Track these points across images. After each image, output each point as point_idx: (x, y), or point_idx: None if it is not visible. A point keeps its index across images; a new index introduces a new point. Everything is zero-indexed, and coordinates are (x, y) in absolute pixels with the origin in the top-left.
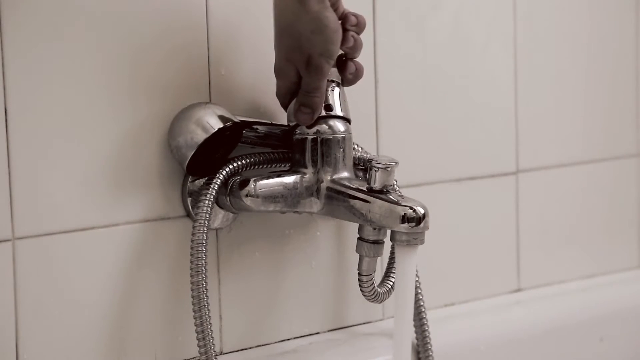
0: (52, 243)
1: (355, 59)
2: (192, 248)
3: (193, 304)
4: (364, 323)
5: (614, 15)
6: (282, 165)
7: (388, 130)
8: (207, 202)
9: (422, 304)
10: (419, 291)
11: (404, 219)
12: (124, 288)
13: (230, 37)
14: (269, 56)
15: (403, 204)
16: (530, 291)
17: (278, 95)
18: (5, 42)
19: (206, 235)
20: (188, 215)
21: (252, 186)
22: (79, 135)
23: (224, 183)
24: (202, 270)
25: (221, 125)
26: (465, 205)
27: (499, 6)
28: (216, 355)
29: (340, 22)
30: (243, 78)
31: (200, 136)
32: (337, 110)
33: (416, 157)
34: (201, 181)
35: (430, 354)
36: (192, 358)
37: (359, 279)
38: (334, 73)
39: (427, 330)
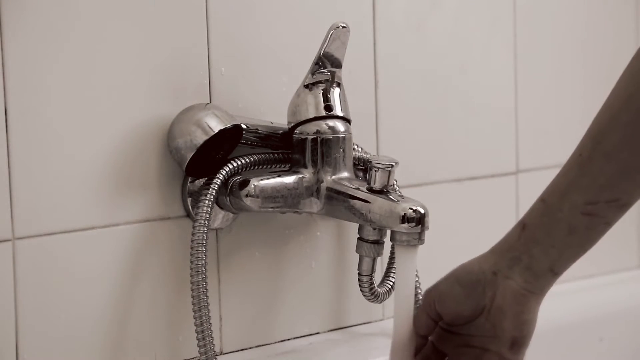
0: (52, 243)
1: None
2: (192, 248)
3: (193, 304)
4: (364, 323)
5: (614, 15)
6: (282, 165)
7: (388, 130)
8: (207, 202)
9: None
10: (419, 291)
11: (404, 219)
12: (124, 288)
13: (230, 37)
14: (269, 56)
15: (403, 204)
16: None
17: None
18: (5, 42)
19: (206, 235)
20: (188, 215)
21: (252, 186)
22: (79, 135)
23: (224, 183)
24: (202, 270)
25: (221, 127)
26: (465, 205)
27: (499, 6)
28: (216, 355)
29: None
30: (243, 78)
31: (200, 138)
32: (337, 110)
33: (416, 157)
34: (201, 181)
35: None
36: (192, 358)
37: (359, 279)
38: (336, 74)
39: None
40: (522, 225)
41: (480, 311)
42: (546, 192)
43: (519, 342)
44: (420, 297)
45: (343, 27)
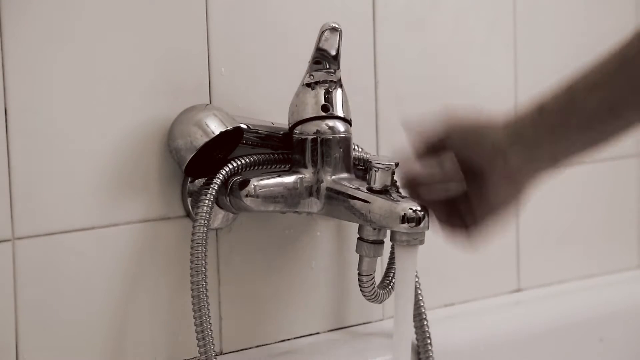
0: (52, 243)
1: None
2: (192, 248)
3: (193, 304)
4: (364, 323)
5: (614, 15)
6: (282, 166)
7: (388, 130)
8: (207, 202)
9: (422, 304)
10: (419, 291)
11: (404, 219)
12: (124, 288)
13: (230, 37)
14: (269, 56)
15: (403, 204)
16: (530, 291)
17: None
18: (5, 42)
19: (206, 235)
20: (188, 215)
21: (252, 186)
22: (79, 135)
23: (224, 183)
24: (202, 270)
25: (222, 129)
26: None
27: (499, 6)
28: (216, 355)
29: None
30: (243, 78)
31: (200, 140)
32: (337, 110)
33: None
34: (201, 181)
35: (430, 354)
36: (192, 358)
37: (359, 279)
38: (335, 74)
39: (427, 330)
40: (540, 110)
41: (476, 173)
42: (574, 82)
43: (487, 208)
44: (421, 297)
45: (334, 27)
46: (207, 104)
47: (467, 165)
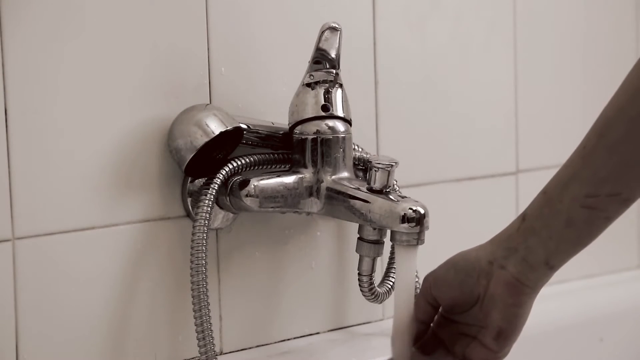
0: (52, 243)
1: None
2: (192, 248)
3: (193, 304)
4: (364, 323)
5: (614, 15)
6: (282, 166)
7: (388, 130)
8: (207, 202)
9: None
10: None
11: (404, 219)
12: (124, 288)
13: (230, 37)
14: (269, 56)
15: (403, 204)
16: None
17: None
18: (5, 42)
19: (206, 235)
20: (188, 215)
21: (252, 186)
22: (79, 135)
23: (224, 183)
24: (202, 270)
25: (222, 129)
26: (465, 205)
27: (499, 6)
28: (216, 355)
29: None
30: (243, 78)
31: (200, 140)
32: (337, 110)
33: (416, 157)
34: (201, 181)
35: None
36: (192, 358)
37: (359, 279)
38: (334, 74)
39: None
40: (523, 217)
41: (476, 300)
42: (548, 184)
43: (504, 334)
44: None
45: (334, 27)
46: (207, 104)
47: (464, 301)
